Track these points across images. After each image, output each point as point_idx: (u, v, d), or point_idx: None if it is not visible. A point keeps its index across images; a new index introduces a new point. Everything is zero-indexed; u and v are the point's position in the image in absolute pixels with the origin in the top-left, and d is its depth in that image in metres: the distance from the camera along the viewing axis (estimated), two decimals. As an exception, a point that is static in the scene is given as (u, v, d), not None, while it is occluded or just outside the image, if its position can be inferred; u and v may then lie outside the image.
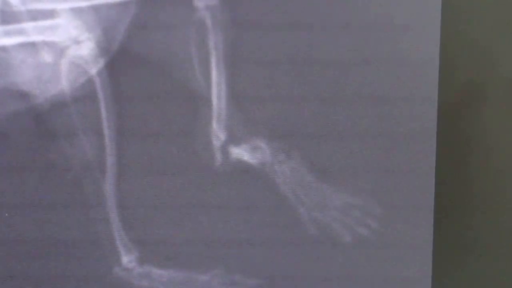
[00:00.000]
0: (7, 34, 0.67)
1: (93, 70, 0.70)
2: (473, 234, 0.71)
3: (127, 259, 0.72)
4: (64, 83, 0.70)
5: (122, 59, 0.69)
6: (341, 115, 0.71)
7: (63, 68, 0.69)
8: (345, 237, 0.72)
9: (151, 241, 0.72)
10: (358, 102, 0.70)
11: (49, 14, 0.67)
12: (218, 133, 0.71)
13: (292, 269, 0.72)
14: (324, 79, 0.69)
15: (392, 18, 0.66)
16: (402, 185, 0.71)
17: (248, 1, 0.68)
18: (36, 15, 0.67)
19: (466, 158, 0.70)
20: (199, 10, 0.68)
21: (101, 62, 0.70)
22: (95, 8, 0.68)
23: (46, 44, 0.68)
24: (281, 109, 0.70)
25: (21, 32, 0.67)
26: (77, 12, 0.67)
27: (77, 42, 0.68)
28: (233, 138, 0.71)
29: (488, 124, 0.69)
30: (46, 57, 0.69)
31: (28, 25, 0.67)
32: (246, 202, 0.71)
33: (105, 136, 0.70)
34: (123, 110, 0.70)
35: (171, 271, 0.72)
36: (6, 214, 0.70)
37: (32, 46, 0.68)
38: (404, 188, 0.71)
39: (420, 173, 0.70)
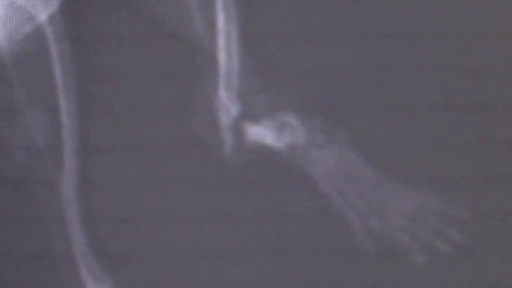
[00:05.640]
0: None
1: (43, 15, 0.66)
2: None
3: (95, 291, 0.69)
4: (-1, 35, 0.68)
5: (85, -3, 0.67)
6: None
7: (-3, 13, 0.67)
8: (417, 255, 0.66)
9: (130, 266, 0.68)
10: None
11: None
12: (227, 105, 0.67)
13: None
14: (384, 16, 0.65)
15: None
16: (499, 181, 0.66)
17: None
18: None
19: None
20: None
21: (53, 3, 0.66)
22: None
23: (-28, -23, 0.66)
24: (320, 69, 0.66)
25: None
26: None
27: (17, -27, 0.67)
28: (249, 113, 0.67)
29: None
30: (-27, -3, 0.66)
31: None
32: (269, 205, 0.66)
33: (62, 114, 0.66)
34: (88, 73, 0.67)
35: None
36: None
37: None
38: (503, 186, 0.66)
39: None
